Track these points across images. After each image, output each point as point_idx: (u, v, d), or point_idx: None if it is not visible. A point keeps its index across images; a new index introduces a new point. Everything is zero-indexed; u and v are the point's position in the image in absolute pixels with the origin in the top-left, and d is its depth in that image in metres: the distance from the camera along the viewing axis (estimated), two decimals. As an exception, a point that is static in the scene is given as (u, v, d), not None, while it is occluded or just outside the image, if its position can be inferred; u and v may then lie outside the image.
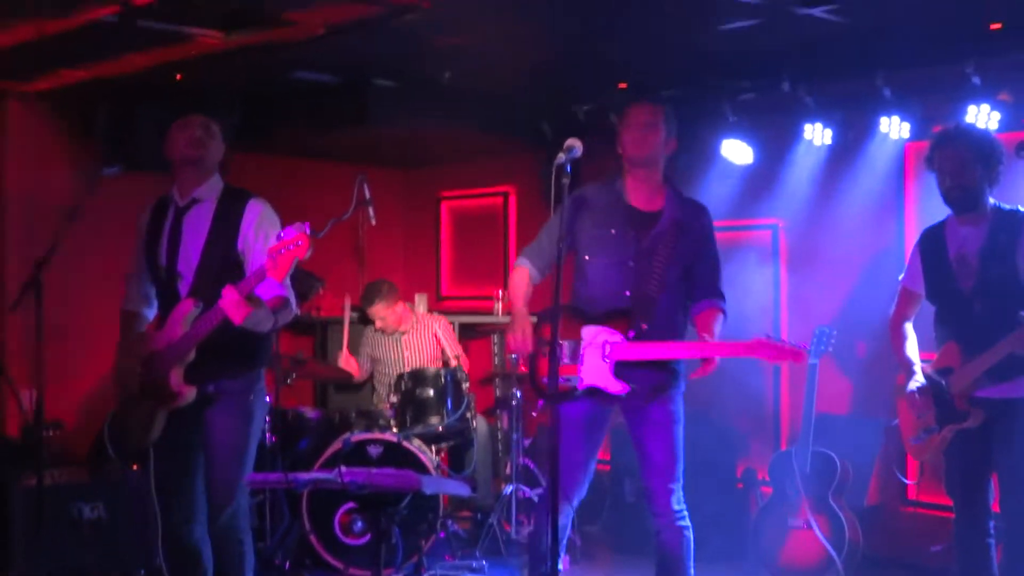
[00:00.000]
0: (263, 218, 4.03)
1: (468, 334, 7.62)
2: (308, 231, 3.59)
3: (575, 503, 4.14)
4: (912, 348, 4.42)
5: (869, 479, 5.85)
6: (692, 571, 4.08)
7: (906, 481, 5.43)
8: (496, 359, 7.40)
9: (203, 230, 4.04)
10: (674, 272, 4.05)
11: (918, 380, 4.30)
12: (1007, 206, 4.20)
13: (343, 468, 3.67)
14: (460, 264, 8.26)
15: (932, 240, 4.32)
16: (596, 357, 3.98)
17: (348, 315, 6.71)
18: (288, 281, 3.95)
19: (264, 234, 3.99)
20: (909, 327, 4.45)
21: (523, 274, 4.19)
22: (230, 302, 3.71)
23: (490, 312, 7.62)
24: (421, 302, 7.70)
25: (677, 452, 4.08)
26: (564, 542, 4.61)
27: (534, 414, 3.76)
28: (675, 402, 4.11)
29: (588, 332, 4.02)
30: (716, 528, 5.43)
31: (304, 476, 3.91)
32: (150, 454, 4.18)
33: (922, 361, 4.38)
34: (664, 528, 4.06)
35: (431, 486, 4.04)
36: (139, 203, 4.24)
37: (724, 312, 4.12)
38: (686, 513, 4.08)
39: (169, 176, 4.15)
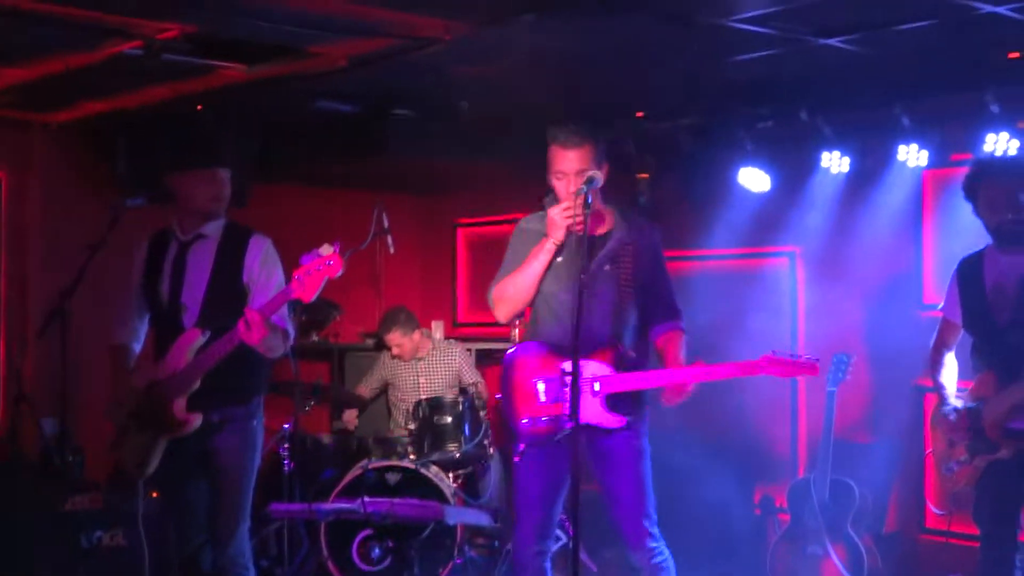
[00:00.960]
0: (267, 253, 4.10)
1: (485, 361, 7.62)
2: (338, 250, 3.62)
3: (549, 545, 3.97)
4: (948, 375, 4.34)
5: (887, 505, 5.84)
6: None
7: (938, 512, 5.33)
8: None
9: (207, 264, 4.08)
10: (638, 293, 3.89)
11: (949, 404, 4.23)
12: None
13: (366, 499, 3.68)
14: (476, 291, 8.26)
15: (970, 269, 4.23)
16: (585, 393, 3.74)
17: None
18: (287, 314, 3.98)
19: (268, 269, 4.05)
20: (950, 356, 4.36)
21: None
22: (249, 323, 3.70)
23: (507, 338, 7.61)
24: (438, 329, 7.71)
25: (646, 489, 3.91)
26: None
27: (516, 460, 3.65)
28: (641, 437, 3.93)
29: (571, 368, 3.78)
30: (733, 555, 5.41)
31: (327, 506, 3.93)
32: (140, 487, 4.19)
33: (959, 389, 4.32)
34: (643, 568, 3.89)
35: (454, 516, 4.05)
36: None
37: (684, 332, 3.96)
38: (663, 547, 3.93)
39: None
